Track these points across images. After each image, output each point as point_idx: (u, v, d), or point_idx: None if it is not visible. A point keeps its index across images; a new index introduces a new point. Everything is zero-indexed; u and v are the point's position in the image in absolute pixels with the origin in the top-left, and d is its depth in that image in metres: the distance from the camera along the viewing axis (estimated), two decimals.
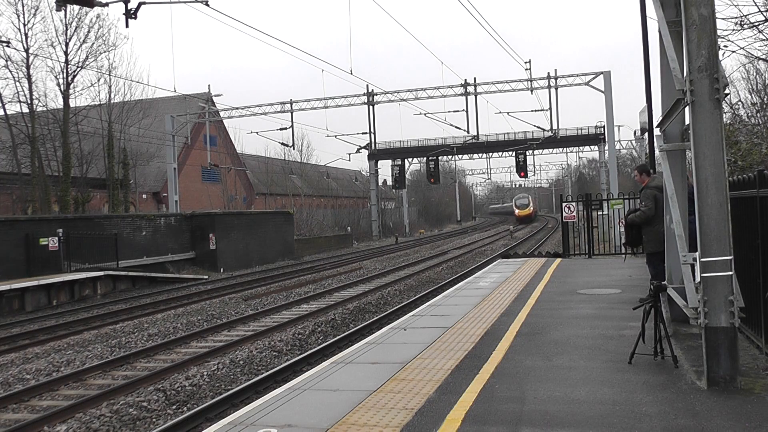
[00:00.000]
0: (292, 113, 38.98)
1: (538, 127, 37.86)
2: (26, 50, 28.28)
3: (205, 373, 9.76)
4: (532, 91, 34.90)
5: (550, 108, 35.08)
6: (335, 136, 42.53)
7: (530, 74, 34.08)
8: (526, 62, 33.37)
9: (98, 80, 31.69)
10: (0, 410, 8.54)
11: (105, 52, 30.71)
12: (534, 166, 70.15)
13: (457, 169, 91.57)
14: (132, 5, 12.51)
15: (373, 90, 40.43)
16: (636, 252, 9.83)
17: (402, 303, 15.86)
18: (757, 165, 11.54)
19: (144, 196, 42.96)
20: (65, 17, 29.13)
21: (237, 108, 39.25)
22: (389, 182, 62.67)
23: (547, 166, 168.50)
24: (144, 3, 12.76)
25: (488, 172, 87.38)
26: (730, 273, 5.43)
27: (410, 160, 56.46)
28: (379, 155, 51.95)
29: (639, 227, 8.92)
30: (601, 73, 32.40)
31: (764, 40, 11.31)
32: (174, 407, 8.46)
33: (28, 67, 28.55)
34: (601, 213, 21.17)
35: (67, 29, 29.58)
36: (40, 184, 29.25)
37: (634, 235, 9.06)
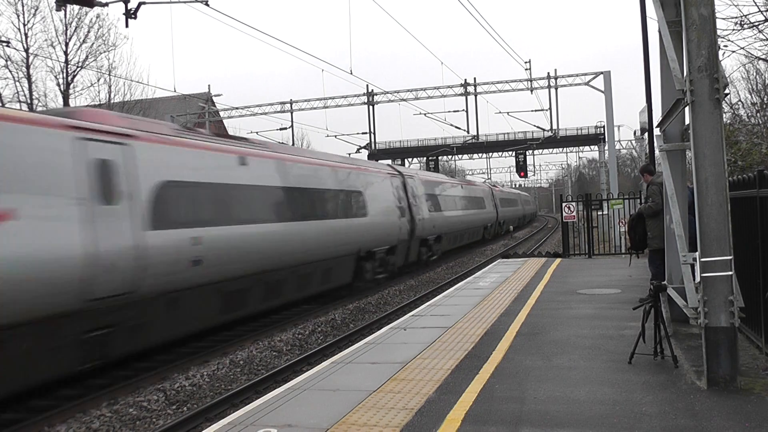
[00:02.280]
0: (292, 113, 39.00)
1: (538, 127, 37.88)
2: (26, 50, 28.25)
3: (205, 373, 9.76)
4: (532, 91, 34.90)
5: (550, 108, 35.08)
6: (335, 136, 42.55)
7: (530, 74, 34.08)
8: (526, 62, 33.37)
9: (98, 80, 31.59)
10: None
11: (105, 52, 30.55)
12: (534, 166, 70.06)
13: (457, 169, 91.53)
14: (132, 5, 12.50)
15: (373, 90, 40.42)
16: (639, 255, 9.95)
17: (402, 303, 15.84)
18: (757, 165, 11.55)
19: None
20: (65, 17, 29.09)
21: (237, 108, 39.27)
22: None
23: (547, 166, 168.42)
24: (144, 3, 12.75)
25: (488, 172, 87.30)
26: (730, 273, 5.43)
27: (410, 160, 56.45)
28: (379, 155, 51.84)
29: (643, 229, 9.07)
30: (601, 73, 32.37)
31: (764, 40, 11.33)
32: (174, 407, 8.45)
33: (28, 67, 28.53)
34: (601, 213, 21.18)
35: (67, 29, 29.55)
36: None
37: (638, 239, 9.18)
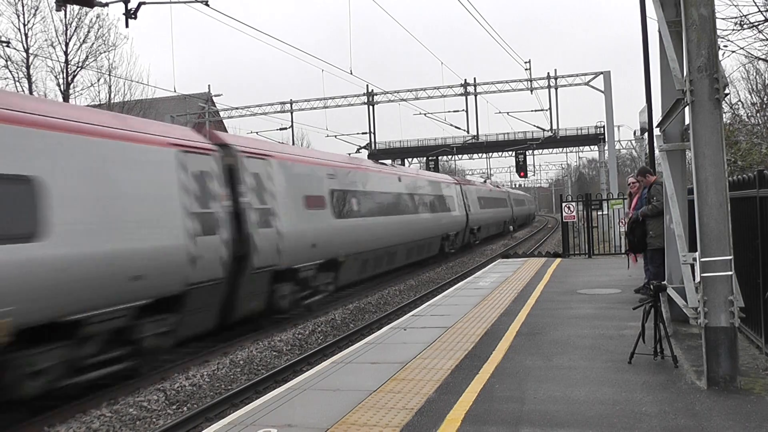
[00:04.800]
0: (292, 113, 39.02)
1: (538, 127, 37.91)
2: (26, 50, 28.24)
3: (205, 373, 9.76)
4: (532, 91, 34.91)
5: (550, 108, 35.11)
6: (335, 136, 42.48)
7: (530, 74, 34.08)
8: (526, 62, 33.38)
9: (98, 80, 31.61)
10: None
11: (105, 52, 30.56)
12: (534, 166, 70.03)
13: (457, 169, 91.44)
14: (132, 5, 12.50)
15: (373, 90, 40.42)
16: (636, 258, 9.99)
17: (402, 303, 15.84)
18: (757, 165, 11.57)
19: None
20: (65, 17, 29.08)
21: (237, 108, 39.32)
22: None
23: (547, 166, 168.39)
24: (144, 3, 12.75)
25: (488, 172, 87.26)
26: (730, 273, 5.43)
27: (410, 160, 56.46)
28: (379, 155, 51.82)
29: (642, 231, 9.10)
30: (601, 73, 32.38)
31: (764, 40, 11.33)
32: (174, 407, 8.45)
33: (28, 67, 28.52)
34: (601, 213, 21.17)
35: (67, 29, 29.54)
36: None
37: (637, 241, 9.21)
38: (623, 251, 18.65)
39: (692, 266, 6.13)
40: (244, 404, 7.51)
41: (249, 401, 7.71)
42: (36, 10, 29.72)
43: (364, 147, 47.22)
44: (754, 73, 20.52)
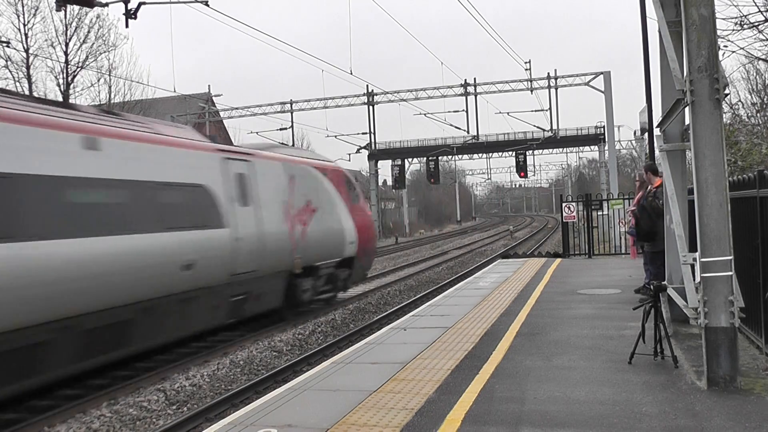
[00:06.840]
0: (292, 113, 39.07)
1: (538, 127, 38.00)
2: (26, 50, 28.25)
3: (205, 374, 9.76)
4: (532, 91, 34.97)
5: (550, 108, 35.21)
6: (335, 136, 42.62)
7: (530, 74, 34.16)
8: (526, 62, 33.46)
9: (98, 80, 31.63)
10: None
11: (105, 52, 30.56)
12: (534, 166, 70.08)
13: (457, 169, 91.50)
14: (132, 5, 12.50)
15: (373, 90, 40.46)
16: (641, 248, 9.98)
17: (402, 303, 15.84)
18: (757, 165, 11.57)
19: None
20: (65, 17, 29.08)
21: (237, 108, 39.38)
22: (389, 182, 62.59)
23: (547, 166, 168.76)
24: (144, 3, 12.75)
25: (488, 172, 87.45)
26: (730, 273, 5.43)
27: (410, 160, 56.43)
28: (379, 155, 51.88)
29: (649, 226, 9.07)
30: (601, 73, 32.43)
31: (764, 40, 11.34)
32: (174, 407, 8.45)
33: (28, 68, 28.52)
34: (601, 213, 21.18)
35: (67, 29, 29.54)
36: None
37: (646, 231, 9.16)
38: (624, 251, 18.69)
39: (692, 266, 6.13)
40: (244, 404, 7.51)
41: (249, 401, 7.71)
42: (36, 10, 29.70)
43: (364, 147, 47.29)
44: (754, 73, 20.51)
